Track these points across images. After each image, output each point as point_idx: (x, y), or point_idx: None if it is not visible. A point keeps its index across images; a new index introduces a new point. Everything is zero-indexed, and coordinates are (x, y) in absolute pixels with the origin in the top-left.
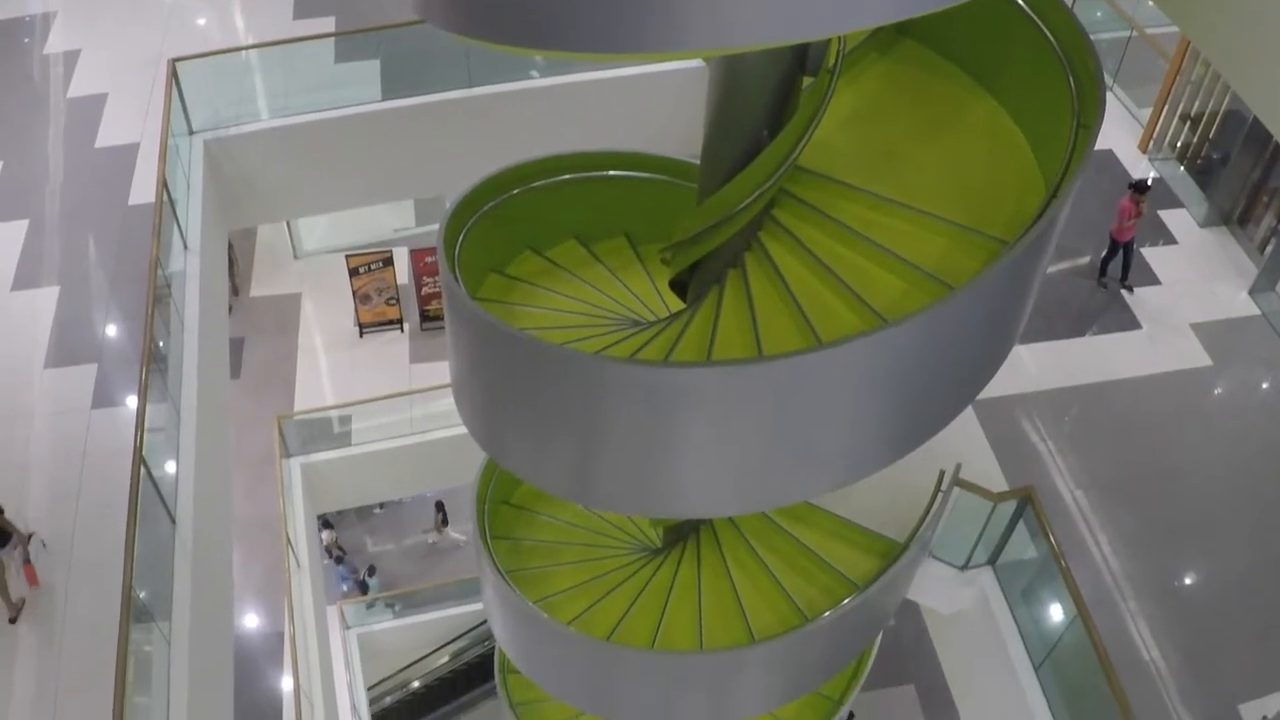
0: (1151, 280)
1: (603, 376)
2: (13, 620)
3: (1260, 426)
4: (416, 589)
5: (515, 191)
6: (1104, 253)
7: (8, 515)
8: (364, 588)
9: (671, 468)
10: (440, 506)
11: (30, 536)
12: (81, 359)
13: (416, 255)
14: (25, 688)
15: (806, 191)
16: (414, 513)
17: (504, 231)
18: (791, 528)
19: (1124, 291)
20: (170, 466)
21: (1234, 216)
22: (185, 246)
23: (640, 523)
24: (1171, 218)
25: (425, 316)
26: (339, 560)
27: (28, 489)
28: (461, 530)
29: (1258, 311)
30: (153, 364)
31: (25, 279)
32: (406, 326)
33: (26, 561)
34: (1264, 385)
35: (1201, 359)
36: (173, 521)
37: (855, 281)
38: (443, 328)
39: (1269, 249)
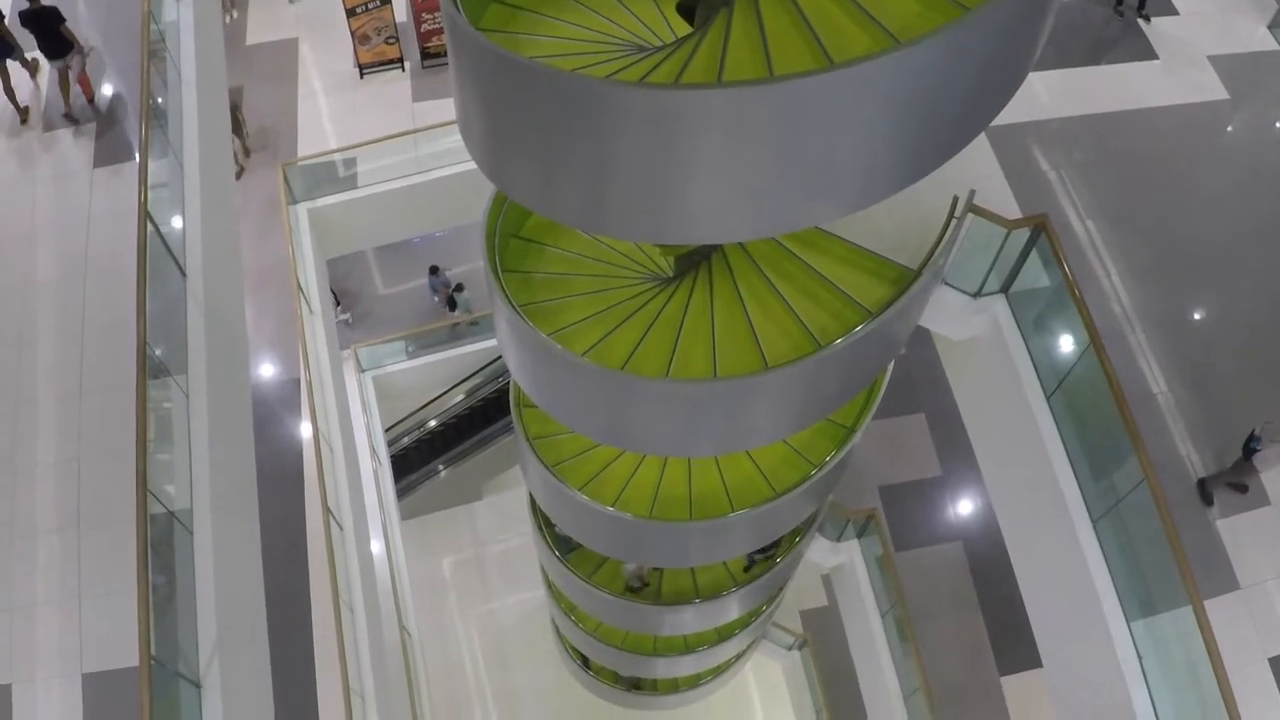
0: (1169, 10)
1: (613, 101)
2: (68, 116)
3: (1275, 162)
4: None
5: None
6: None
7: None
8: (453, 304)
9: (683, 192)
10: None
11: (89, 51)
12: (80, 119)
13: None
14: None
15: None
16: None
17: None
18: (803, 253)
19: (1140, 20)
20: (177, 221)
21: None
22: None
23: (651, 252)
24: None
25: (426, 54)
26: (433, 271)
27: (34, 254)
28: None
29: (1276, 46)
30: (152, 120)
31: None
32: (407, 65)
33: (83, 70)
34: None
35: (1218, 92)
36: (183, 275)
37: (868, 1)
38: (444, 65)
39: None
